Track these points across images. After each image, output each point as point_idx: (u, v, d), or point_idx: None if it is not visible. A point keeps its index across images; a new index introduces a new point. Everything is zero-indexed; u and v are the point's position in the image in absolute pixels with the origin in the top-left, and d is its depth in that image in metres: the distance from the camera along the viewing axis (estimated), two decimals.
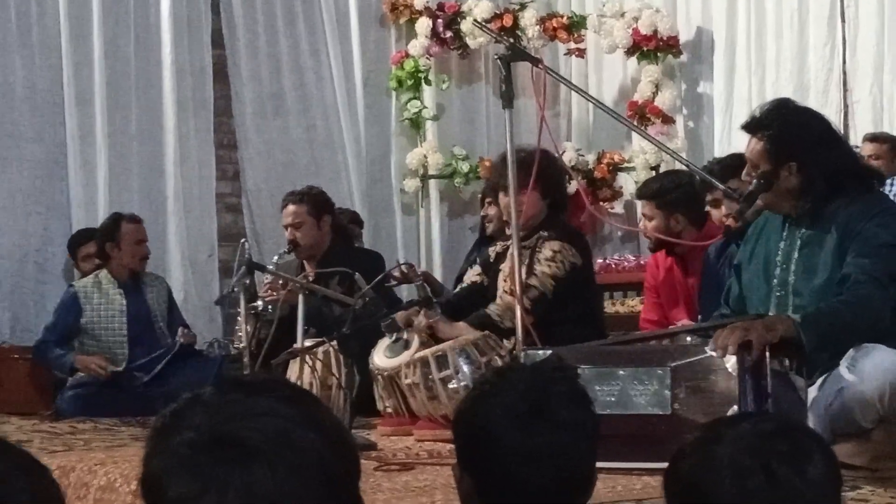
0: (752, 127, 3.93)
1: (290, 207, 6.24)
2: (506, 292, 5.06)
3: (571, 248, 5.04)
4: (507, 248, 5.13)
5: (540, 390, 2.03)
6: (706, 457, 1.72)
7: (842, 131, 6.36)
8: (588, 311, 5.16)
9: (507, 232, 4.99)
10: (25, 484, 1.42)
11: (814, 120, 3.99)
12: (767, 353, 3.43)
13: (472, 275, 5.42)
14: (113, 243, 6.66)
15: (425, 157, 8.84)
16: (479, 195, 8.78)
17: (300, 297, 5.24)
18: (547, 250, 5.00)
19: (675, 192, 5.33)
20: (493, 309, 4.97)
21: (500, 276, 5.24)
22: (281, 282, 5.77)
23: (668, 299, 5.48)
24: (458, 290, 5.58)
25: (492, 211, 6.10)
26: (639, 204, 8.82)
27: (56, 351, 6.57)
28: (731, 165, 4.80)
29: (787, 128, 3.88)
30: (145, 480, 1.43)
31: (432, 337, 4.96)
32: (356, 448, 1.51)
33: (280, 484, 1.37)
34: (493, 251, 5.36)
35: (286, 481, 1.37)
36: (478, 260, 5.66)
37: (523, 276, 4.95)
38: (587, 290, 5.22)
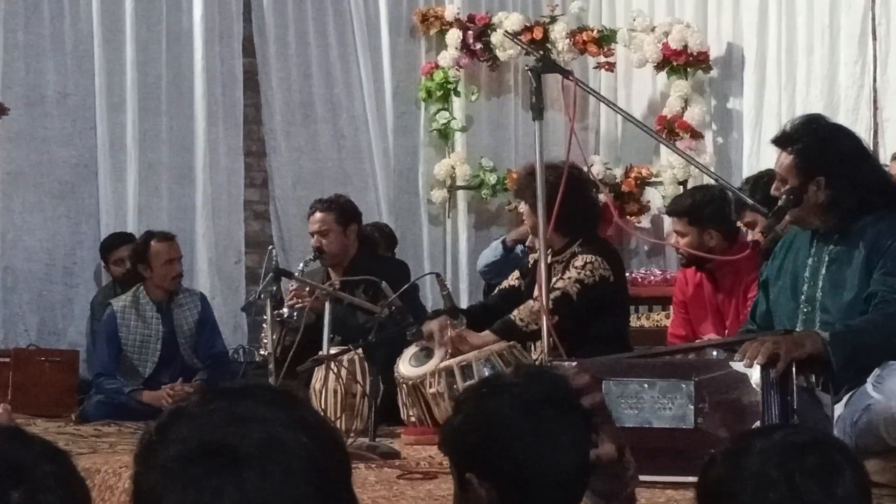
0: (781, 141, 3.93)
1: (318, 215, 6.26)
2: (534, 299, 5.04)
3: (604, 262, 5.02)
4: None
5: (544, 382, 2.02)
6: (734, 465, 1.73)
7: (871, 149, 6.33)
8: (616, 329, 5.14)
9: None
10: (50, 468, 1.43)
11: (843, 136, 3.98)
12: (794, 369, 3.42)
13: (511, 279, 5.43)
14: (144, 264, 6.52)
15: (453, 168, 8.85)
16: (508, 207, 8.85)
17: (326, 305, 5.26)
18: (579, 261, 5.01)
19: (707, 208, 5.30)
20: (515, 314, 4.96)
21: (536, 286, 5.23)
22: (307, 289, 5.78)
23: (696, 315, 5.45)
24: (494, 293, 5.58)
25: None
26: (668, 220, 8.85)
27: (108, 385, 6.43)
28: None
29: (817, 142, 3.87)
30: (138, 498, 1.43)
31: (457, 347, 4.96)
32: (345, 445, 1.51)
33: (273, 487, 1.37)
34: (533, 257, 5.35)
35: (279, 484, 1.38)
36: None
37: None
38: (616, 307, 5.18)
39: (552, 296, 4.84)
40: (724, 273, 5.30)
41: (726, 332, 5.11)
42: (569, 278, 4.97)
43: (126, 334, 6.50)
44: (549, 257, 5.07)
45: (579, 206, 4.99)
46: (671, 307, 7.59)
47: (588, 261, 5.00)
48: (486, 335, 4.95)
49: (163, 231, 6.81)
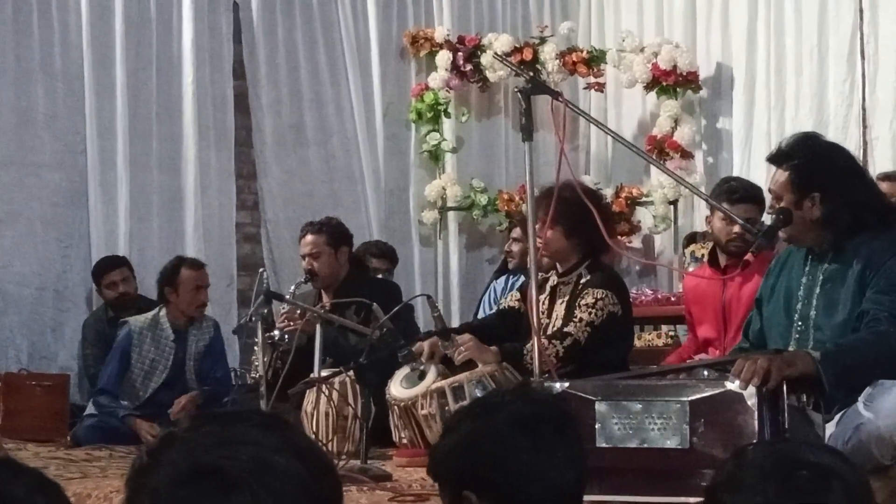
0: (776, 158, 3.93)
1: (308, 237, 6.26)
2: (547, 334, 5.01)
3: (613, 297, 5.01)
4: (547, 279, 5.13)
5: (537, 398, 2.06)
6: (729, 470, 1.75)
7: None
8: (618, 359, 5.13)
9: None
10: (43, 501, 1.43)
11: (838, 153, 3.99)
12: (785, 388, 3.42)
13: (512, 299, 5.40)
14: (171, 288, 6.56)
15: (444, 189, 8.86)
16: (499, 228, 8.87)
17: (317, 327, 5.25)
18: (590, 297, 4.98)
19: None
20: (528, 346, 4.94)
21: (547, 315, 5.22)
22: (298, 311, 5.78)
23: (699, 315, 5.52)
24: (491, 312, 5.56)
25: (515, 248, 6.11)
26: (663, 243, 8.86)
27: (102, 401, 6.44)
28: None
29: (812, 159, 3.88)
30: None
31: (449, 368, 4.95)
32: (335, 469, 1.51)
33: None
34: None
35: None
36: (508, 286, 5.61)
37: (562, 311, 5.01)
38: (621, 339, 5.18)
39: (565, 343, 4.86)
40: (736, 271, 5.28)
41: (725, 338, 5.13)
42: (580, 320, 4.94)
43: (137, 356, 6.52)
44: (556, 278, 5.10)
45: (593, 220, 5.00)
46: (663, 326, 7.63)
47: (598, 297, 4.97)
48: (495, 352, 4.92)
49: (194, 258, 6.90)
